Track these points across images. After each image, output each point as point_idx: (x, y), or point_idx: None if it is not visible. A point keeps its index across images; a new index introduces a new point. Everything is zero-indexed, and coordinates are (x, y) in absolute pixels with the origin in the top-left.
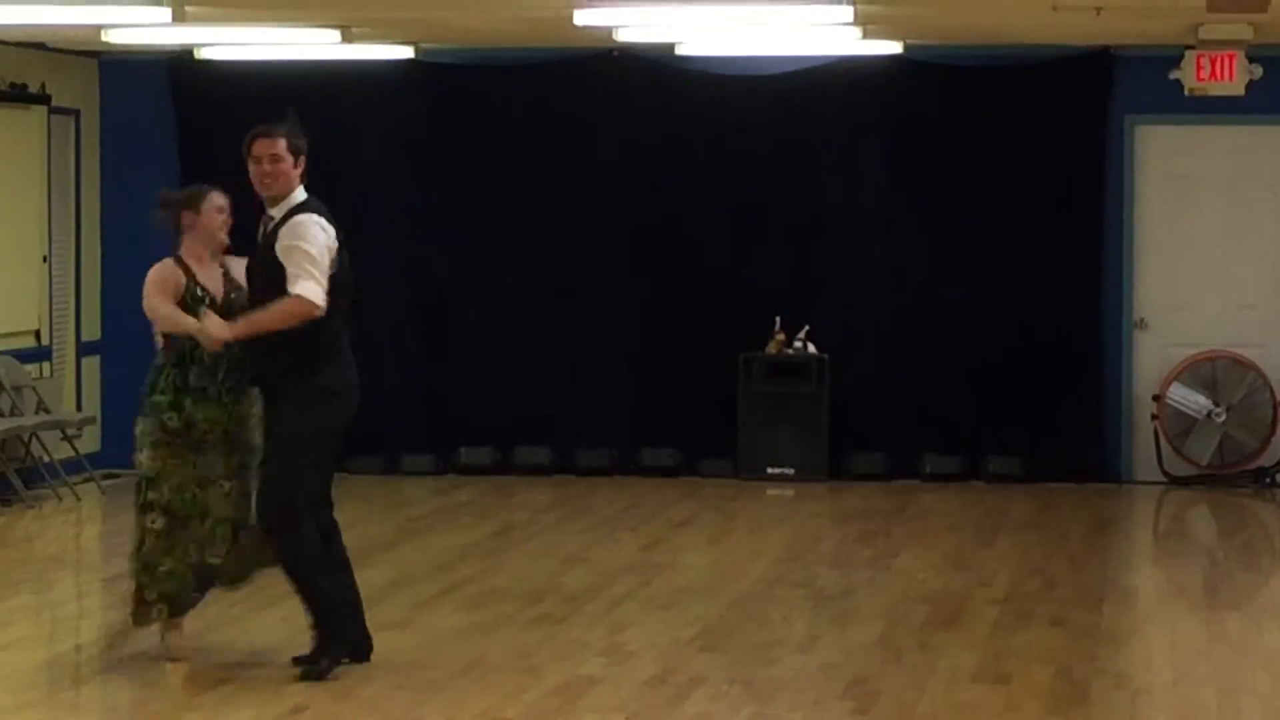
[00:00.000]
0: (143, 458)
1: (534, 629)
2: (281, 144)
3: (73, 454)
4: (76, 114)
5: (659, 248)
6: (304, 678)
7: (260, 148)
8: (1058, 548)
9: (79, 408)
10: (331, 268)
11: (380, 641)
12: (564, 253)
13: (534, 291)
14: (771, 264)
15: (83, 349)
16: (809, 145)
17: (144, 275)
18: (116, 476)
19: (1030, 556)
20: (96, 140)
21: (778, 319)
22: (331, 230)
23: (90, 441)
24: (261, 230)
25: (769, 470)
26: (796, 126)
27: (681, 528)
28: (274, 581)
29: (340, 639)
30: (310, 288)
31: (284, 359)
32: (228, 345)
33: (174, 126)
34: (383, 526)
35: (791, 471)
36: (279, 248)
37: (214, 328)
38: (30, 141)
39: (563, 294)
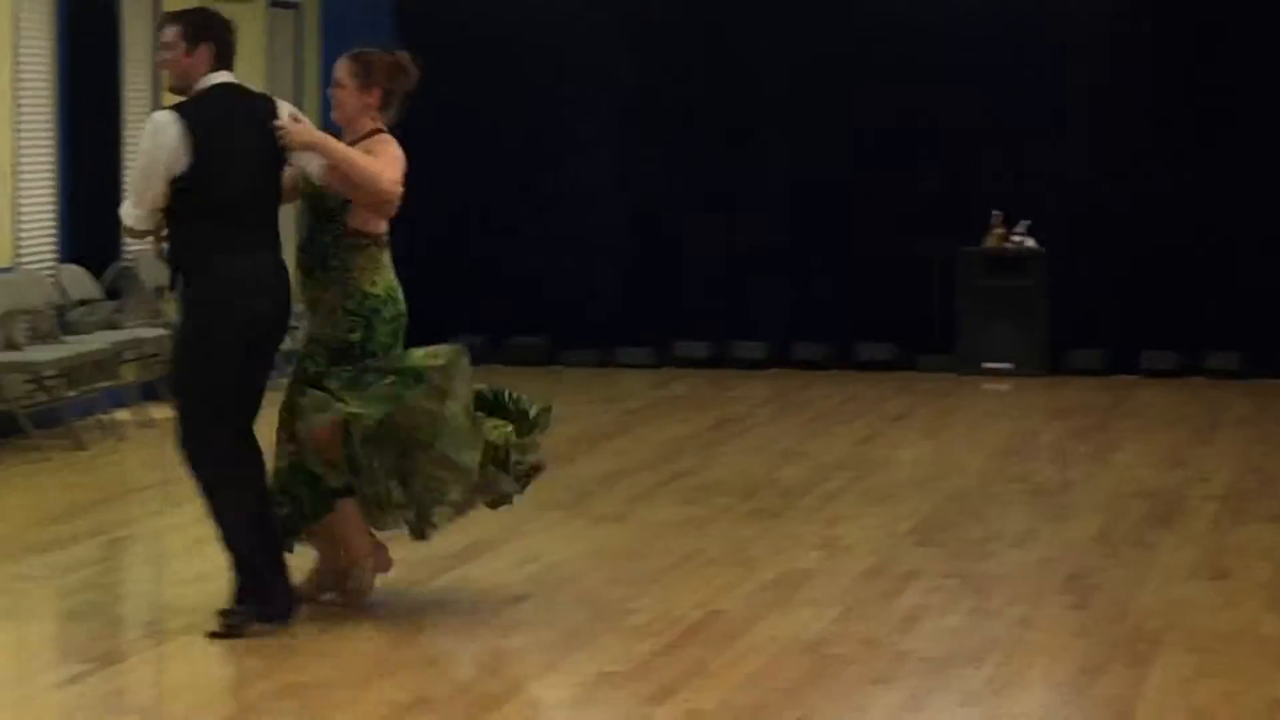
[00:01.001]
0: None
1: (750, 522)
2: (171, 31)
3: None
4: (296, 8)
5: (880, 146)
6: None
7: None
8: (1277, 445)
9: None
10: (174, 169)
11: (596, 533)
12: (780, 153)
13: (750, 190)
14: (992, 160)
15: None
16: (1028, 29)
17: None
18: None
19: (1248, 453)
20: (317, 38)
21: (996, 213)
22: (174, 129)
23: None
24: None
25: (986, 365)
26: (1021, 28)
27: (897, 422)
28: None
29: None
30: (124, 208)
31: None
32: None
33: (392, 21)
34: (599, 419)
35: (1009, 366)
36: None
37: None
38: (251, 36)
39: (778, 193)
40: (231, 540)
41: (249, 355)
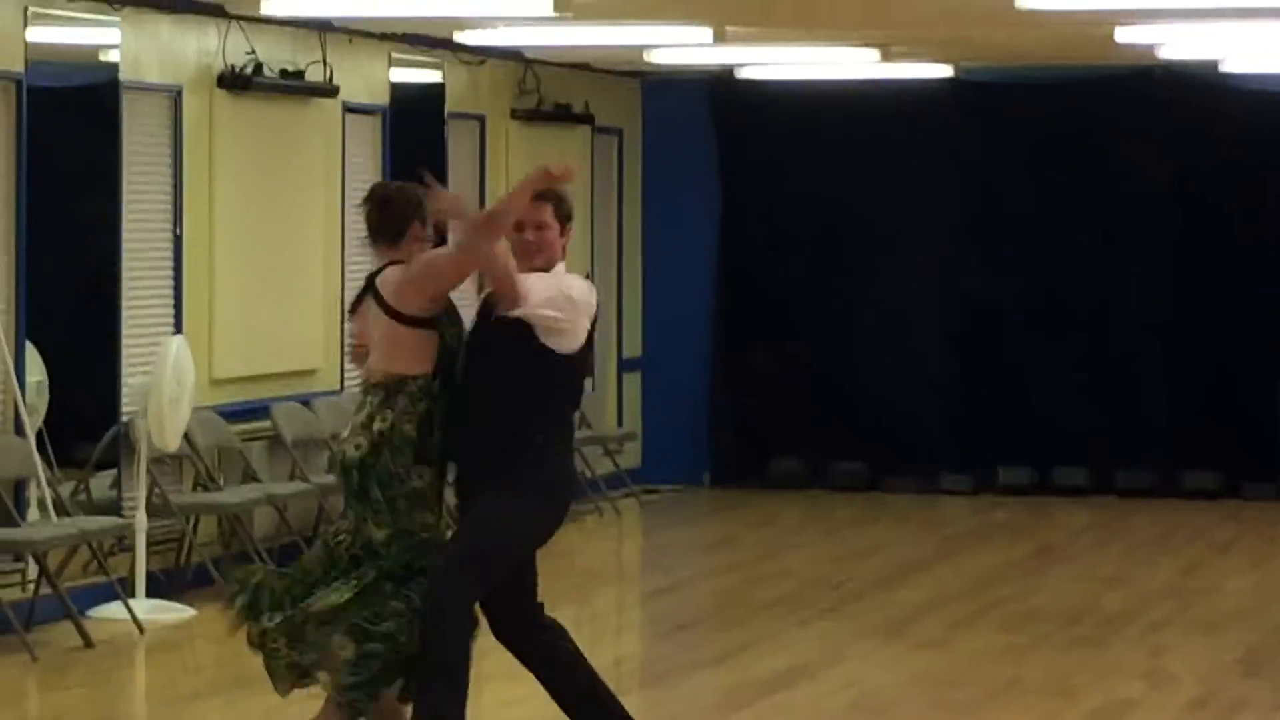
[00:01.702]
0: None
1: (1071, 651)
2: (548, 211)
3: (613, 469)
4: (620, 133)
5: (1195, 266)
6: None
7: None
8: None
9: (620, 424)
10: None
11: (916, 660)
12: (1098, 272)
13: (1066, 310)
14: None
15: (624, 365)
16: None
17: (679, 298)
18: (656, 492)
19: None
20: (639, 159)
21: None
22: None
23: (631, 457)
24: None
25: None
26: None
27: (1223, 551)
28: None
29: None
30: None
31: None
32: None
33: (714, 146)
34: (920, 546)
35: None
36: None
37: None
38: (574, 160)
39: (1096, 314)
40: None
41: None
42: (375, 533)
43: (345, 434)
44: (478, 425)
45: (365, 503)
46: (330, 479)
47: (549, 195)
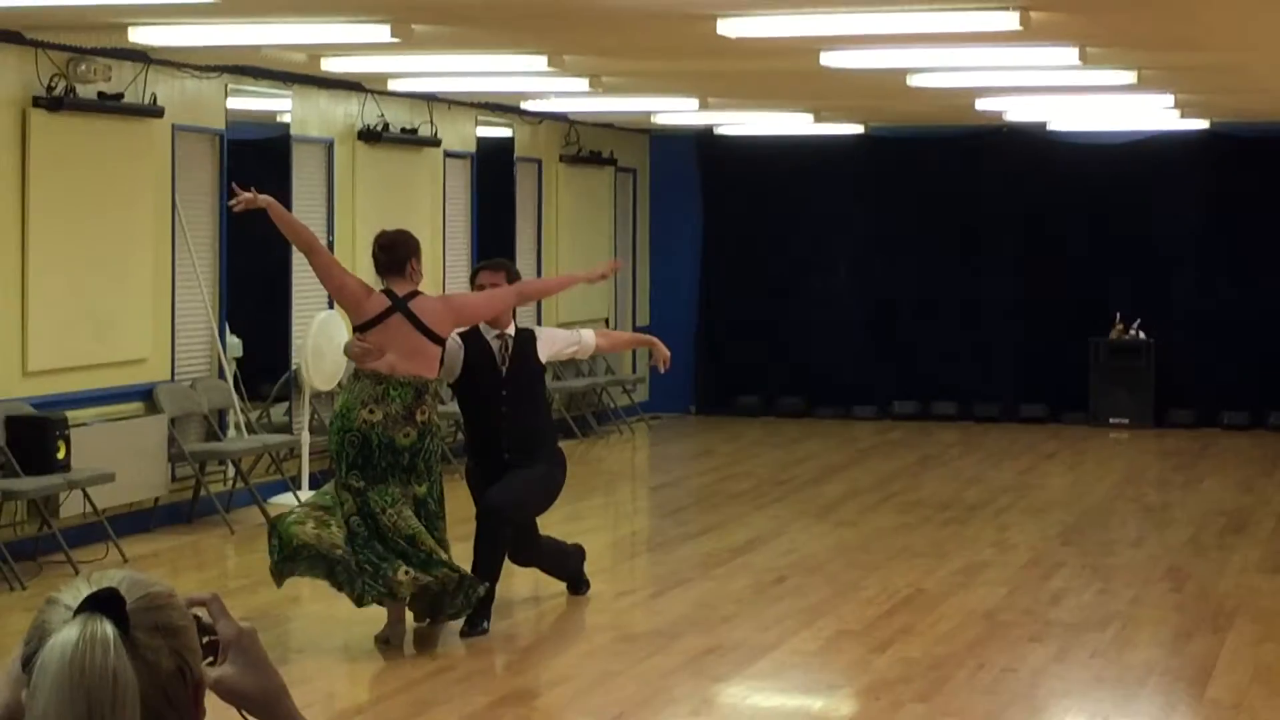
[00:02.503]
0: None
1: (944, 527)
2: (502, 276)
3: (629, 402)
4: (634, 172)
5: (1039, 267)
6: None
7: (485, 278)
8: None
9: (634, 371)
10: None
11: (837, 533)
12: (965, 273)
13: (942, 299)
14: (1116, 278)
15: (637, 331)
16: (1141, 195)
17: (675, 286)
18: (658, 419)
19: None
20: (647, 190)
21: (1118, 314)
22: None
23: (641, 394)
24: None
25: (1111, 420)
26: (1132, 181)
27: (1048, 459)
28: None
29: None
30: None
31: None
32: None
33: (699, 181)
34: (839, 456)
35: (1127, 421)
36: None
37: None
38: (603, 191)
39: (964, 301)
40: (491, 574)
41: None
42: (418, 490)
43: (379, 416)
44: (528, 421)
45: (411, 472)
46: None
47: (502, 267)
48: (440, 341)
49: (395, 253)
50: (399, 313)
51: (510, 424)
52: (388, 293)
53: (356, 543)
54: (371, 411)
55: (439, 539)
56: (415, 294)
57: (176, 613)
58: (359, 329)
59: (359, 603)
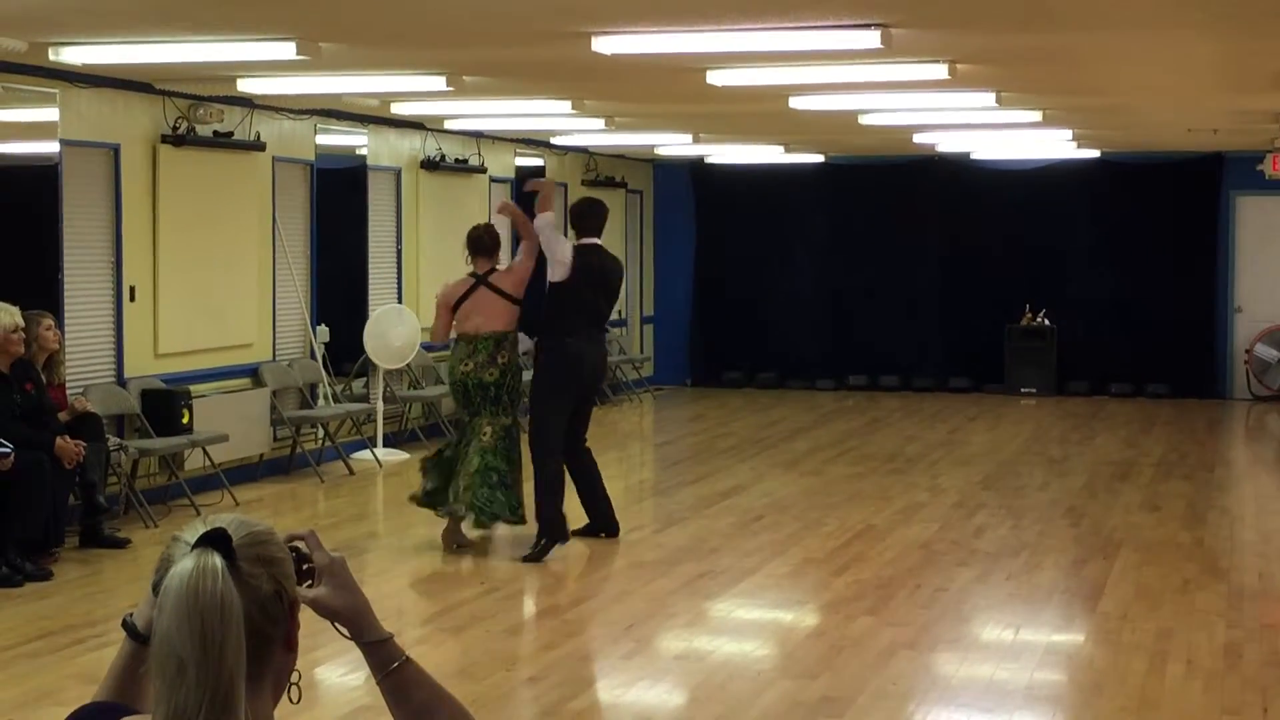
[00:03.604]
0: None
1: (888, 476)
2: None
3: (638, 376)
4: (640, 194)
5: (964, 267)
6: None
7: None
8: (1189, 435)
9: (641, 351)
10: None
11: (803, 481)
12: (904, 273)
13: (885, 293)
14: (1025, 276)
15: (644, 320)
16: (1045, 210)
17: (674, 284)
18: (661, 389)
19: (1171, 441)
20: (651, 209)
21: (1027, 304)
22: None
23: (647, 370)
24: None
25: (1022, 390)
26: (1038, 199)
27: (971, 421)
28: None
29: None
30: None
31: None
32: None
33: (693, 202)
34: (805, 419)
35: (1035, 390)
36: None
37: None
38: (616, 208)
39: (904, 295)
40: (546, 497)
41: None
42: (504, 420)
43: (470, 366)
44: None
45: (498, 404)
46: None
47: (482, 249)
48: (516, 302)
49: (484, 241)
50: (481, 286)
51: None
52: (473, 274)
53: (458, 465)
54: (465, 364)
55: (514, 459)
56: (492, 271)
57: (275, 546)
58: (456, 304)
59: (472, 520)
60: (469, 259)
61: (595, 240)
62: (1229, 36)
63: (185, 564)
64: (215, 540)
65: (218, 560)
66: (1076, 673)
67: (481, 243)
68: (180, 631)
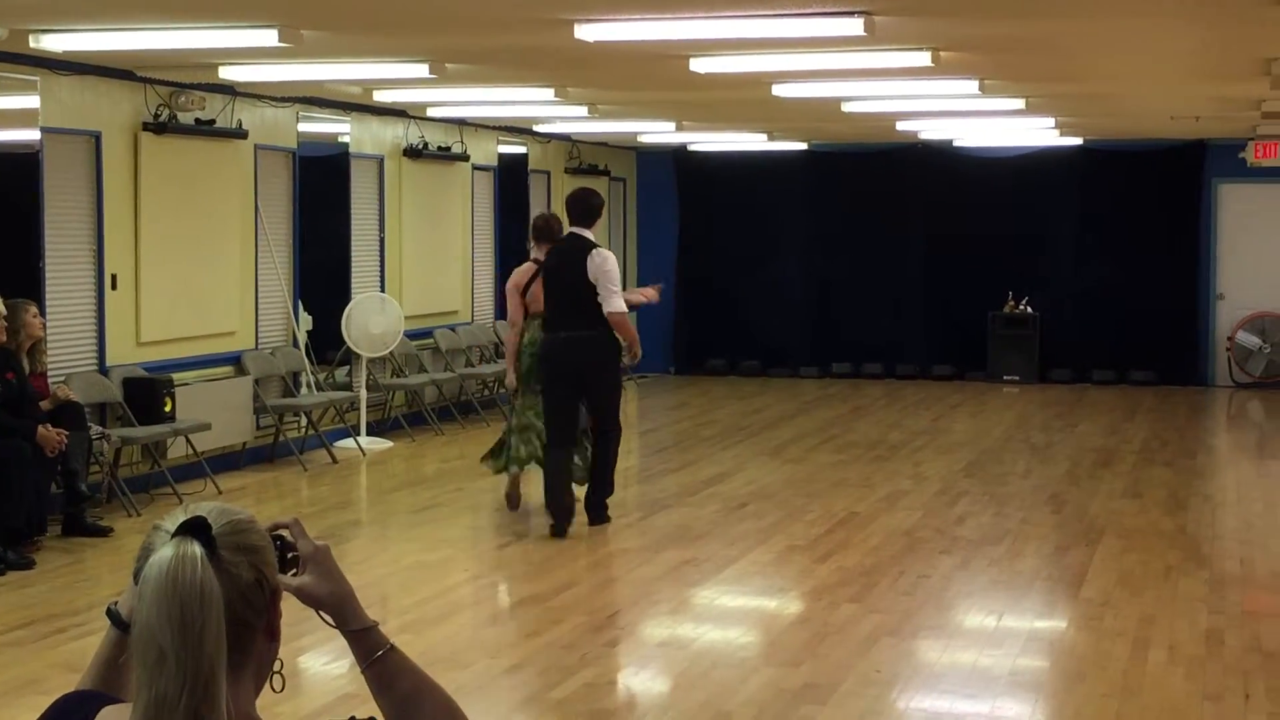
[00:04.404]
0: None
1: (872, 463)
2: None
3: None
4: (624, 181)
5: (947, 255)
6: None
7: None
8: (1170, 422)
9: None
10: None
11: (787, 468)
12: (888, 262)
13: (868, 283)
14: (1008, 263)
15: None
16: (1028, 197)
17: (657, 271)
18: (645, 378)
19: (1154, 428)
20: (635, 196)
21: (1010, 292)
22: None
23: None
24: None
25: (1005, 377)
26: (1021, 186)
27: (954, 409)
28: None
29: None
30: (618, 302)
31: None
32: None
33: (675, 189)
34: (789, 407)
35: (1017, 378)
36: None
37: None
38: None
39: (888, 285)
40: (609, 468)
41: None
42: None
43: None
44: None
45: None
46: (465, 370)
47: (546, 236)
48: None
49: (550, 227)
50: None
51: None
52: (535, 260)
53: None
54: (532, 339)
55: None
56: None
57: (255, 534)
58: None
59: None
60: (531, 245)
61: (577, 230)
62: (1211, 24)
63: (164, 552)
64: (195, 528)
65: (197, 548)
66: (1059, 659)
67: (549, 229)
68: (160, 619)
